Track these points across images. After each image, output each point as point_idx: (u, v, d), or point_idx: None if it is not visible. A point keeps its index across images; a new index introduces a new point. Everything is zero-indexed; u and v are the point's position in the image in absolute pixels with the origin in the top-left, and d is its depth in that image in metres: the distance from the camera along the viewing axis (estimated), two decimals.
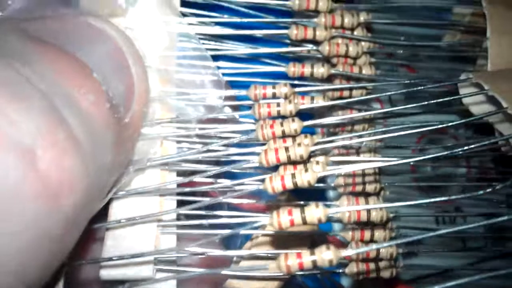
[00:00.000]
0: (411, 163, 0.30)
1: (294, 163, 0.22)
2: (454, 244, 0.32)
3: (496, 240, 0.32)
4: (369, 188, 0.25)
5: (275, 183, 0.21)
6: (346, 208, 0.21)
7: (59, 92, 0.16)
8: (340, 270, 0.23)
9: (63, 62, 0.17)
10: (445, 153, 0.21)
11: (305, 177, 0.20)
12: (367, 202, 0.23)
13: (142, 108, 0.21)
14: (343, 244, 0.26)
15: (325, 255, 0.18)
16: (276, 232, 0.24)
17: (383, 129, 0.23)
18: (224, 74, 0.26)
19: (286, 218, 0.19)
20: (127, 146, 0.21)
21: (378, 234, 0.23)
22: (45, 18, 0.19)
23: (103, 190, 0.20)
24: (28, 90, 0.15)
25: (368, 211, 0.23)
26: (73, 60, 0.18)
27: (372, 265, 0.23)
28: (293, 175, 0.21)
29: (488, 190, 0.19)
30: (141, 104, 0.21)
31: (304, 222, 0.19)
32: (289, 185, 0.21)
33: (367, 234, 0.23)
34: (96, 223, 0.22)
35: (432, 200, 0.20)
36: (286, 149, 0.22)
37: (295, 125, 0.23)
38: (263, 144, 0.24)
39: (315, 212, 0.19)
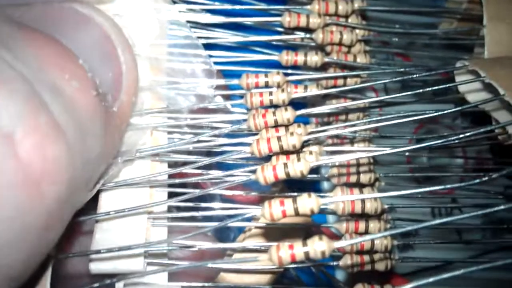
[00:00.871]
0: (407, 154, 0.30)
1: (287, 153, 0.22)
2: (450, 236, 0.32)
3: (494, 232, 0.31)
4: (364, 178, 0.25)
5: (267, 173, 0.20)
6: (339, 198, 0.21)
7: (42, 77, 0.16)
8: (334, 263, 0.23)
9: (47, 48, 0.17)
10: (439, 141, 0.20)
11: (298, 167, 0.20)
12: (361, 193, 0.23)
13: (131, 97, 0.21)
14: (338, 237, 0.25)
15: (317, 246, 0.17)
16: (269, 225, 0.23)
17: (377, 118, 0.22)
18: (215, 63, 0.26)
19: (278, 209, 0.19)
20: (115, 136, 0.20)
21: (373, 225, 0.23)
22: (31, 5, 0.19)
23: (90, 181, 0.19)
24: (8, 73, 0.15)
25: (363, 202, 0.22)
26: (57, 45, 0.17)
27: (366, 258, 0.23)
28: (285, 165, 0.20)
29: (484, 179, 0.18)
30: (130, 94, 0.20)
31: (297, 213, 0.19)
32: (281, 175, 0.20)
33: (361, 226, 0.23)
34: (85, 215, 0.22)
35: (427, 189, 0.19)
36: (279, 138, 0.21)
37: (288, 114, 0.22)
38: (255, 134, 0.23)
39: (307, 203, 0.18)
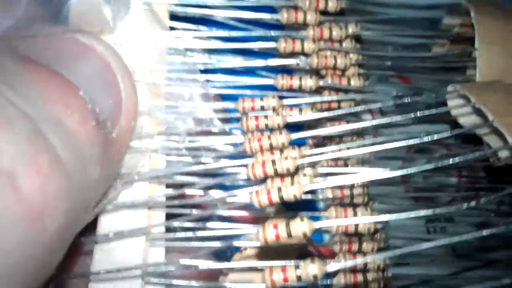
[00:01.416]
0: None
1: (281, 175, 0.22)
2: (444, 252, 0.32)
3: (486, 248, 0.31)
4: (357, 199, 0.25)
5: (261, 197, 0.21)
6: (331, 222, 0.21)
7: (44, 113, 0.16)
8: (328, 282, 0.23)
9: (50, 83, 0.18)
10: (432, 165, 0.21)
11: (291, 191, 0.21)
12: (355, 213, 0.23)
13: (131, 122, 0.21)
14: (334, 253, 0.26)
15: (310, 269, 0.18)
16: (264, 244, 0.24)
17: (371, 141, 0.23)
18: (213, 87, 0.27)
19: (272, 233, 0.19)
20: (114, 161, 0.21)
21: (366, 245, 0.23)
22: (34, 37, 0.20)
23: (90, 205, 0.20)
24: (12, 113, 0.15)
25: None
26: (60, 79, 0.18)
27: (360, 277, 0.23)
28: (279, 189, 0.21)
29: (472, 204, 0.19)
30: (129, 119, 0.21)
31: (290, 236, 0.19)
32: (275, 199, 0.21)
33: (354, 246, 0.23)
34: (85, 235, 0.23)
35: (417, 213, 0.20)
36: (273, 162, 0.22)
37: (282, 138, 0.23)
38: (253, 156, 0.24)
39: (300, 226, 0.19)
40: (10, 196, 0.14)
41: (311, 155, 0.22)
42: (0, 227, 0.14)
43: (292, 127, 0.24)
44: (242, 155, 0.24)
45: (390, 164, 0.26)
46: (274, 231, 0.19)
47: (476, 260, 0.30)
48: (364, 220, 0.22)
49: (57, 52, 0.19)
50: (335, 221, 0.22)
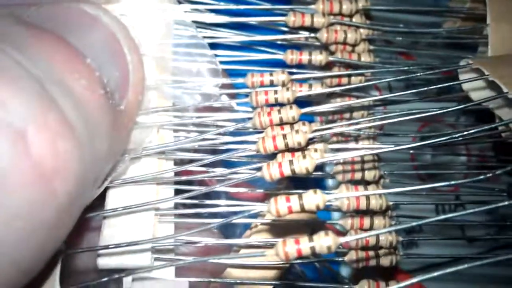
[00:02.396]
0: (411, 152, 0.30)
1: (292, 150, 0.22)
2: (454, 233, 0.32)
3: (498, 229, 0.31)
4: (368, 175, 0.25)
5: (272, 170, 0.21)
6: (344, 194, 0.21)
7: (51, 76, 0.16)
8: (340, 259, 0.23)
9: (56, 47, 0.17)
10: (442, 139, 0.20)
11: (303, 164, 0.20)
12: (366, 190, 0.23)
13: (138, 96, 0.21)
14: (342, 234, 0.25)
15: (323, 241, 0.18)
16: (274, 221, 0.24)
17: (381, 116, 0.22)
18: (221, 62, 0.26)
19: (284, 205, 0.19)
20: (122, 134, 0.21)
21: (378, 222, 0.23)
22: (39, 5, 0.19)
23: (99, 178, 0.20)
24: (19, 72, 0.15)
25: (368, 198, 0.23)
26: (66, 45, 0.18)
27: (371, 253, 0.23)
28: (291, 162, 0.20)
29: (488, 175, 0.18)
30: (137, 92, 0.21)
31: (302, 209, 0.19)
32: (287, 171, 0.20)
33: (366, 222, 0.23)
34: (93, 211, 0.22)
35: (430, 185, 0.19)
36: (284, 136, 0.21)
37: (292, 112, 0.22)
38: (260, 133, 0.23)
39: (313, 199, 0.19)
40: (20, 154, 0.14)
41: (322, 129, 0.22)
42: (10, 187, 0.14)
43: (301, 104, 0.24)
44: (250, 131, 0.24)
45: (401, 142, 0.25)
46: (287, 203, 0.19)
47: (486, 240, 0.30)
48: (376, 192, 0.22)
49: (62, 21, 0.19)
50: (348, 193, 0.21)
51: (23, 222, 0.14)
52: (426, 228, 0.32)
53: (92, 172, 0.18)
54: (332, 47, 0.27)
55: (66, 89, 0.16)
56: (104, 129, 0.18)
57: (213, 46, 0.26)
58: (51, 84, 0.16)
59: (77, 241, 0.25)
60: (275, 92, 0.23)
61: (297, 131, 0.21)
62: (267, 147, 0.22)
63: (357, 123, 0.24)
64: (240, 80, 0.25)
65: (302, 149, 0.22)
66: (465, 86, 0.24)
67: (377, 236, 0.22)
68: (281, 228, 0.26)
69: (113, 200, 0.23)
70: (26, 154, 0.14)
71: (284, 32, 0.28)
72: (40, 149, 0.14)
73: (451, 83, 0.22)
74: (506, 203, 0.18)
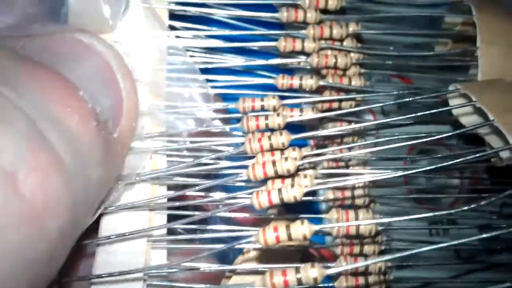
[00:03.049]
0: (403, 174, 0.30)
1: (282, 176, 0.22)
2: (447, 255, 0.32)
3: (489, 251, 0.31)
4: (359, 201, 0.25)
5: (261, 198, 0.21)
6: (331, 225, 0.21)
7: (44, 113, 0.16)
8: (330, 284, 0.23)
9: (49, 82, 0.17)
10: (434, 166, 0.20)
11: (292, 193, 0.20)
12: (357, 215, 0.23)
13: (132, 122, 0.21)
14: (335, 256, 0.25)
15: (310, 273, 0.18)
16: (264, 247, 0.24)
17: (372, 141, 0.23)
18: (213, 87, 0.26)
19: (272, 235, 0.19)
20: (116, 161, 0.21)
21: (368, 247, 0.23)
22: (33, 36, 0.20)
23: (92, 206, 0.20)
24: (11, 112, 0.15)
25: (357, 225, 0.23)
26: (59, 79, 0.18)
27: (361, 279, 0.23)
28: (280, 191, 0.21)
29: (491, 199, 0.18)
30: (130, 119, 0.21)
31: (290, 239, 0.19)
32: (276, 200, 0.21)
33: (356, 249, 0.23)
34: (87, 238, 0.23)
35: (420, 216, 0.20)
36: (274, 163, 0.22)
37: (283, 138, 0.23)
38: (253, 157, 0.24)
39: (300, 229, 0.19)
40: (11, 196, 0.14)
41: (311, 155, 0.22)
42: (1, 227, 0.14)
43: (294, 128, 0.24)
44: (243, 156, 0.24)
45: (392, 166, 0.26)
46: (275, 233, 0.19)
47: (479, 263, 0.30)
48: (365, 222, 0.22)
49: (56, 51, 0.19)
50: (335, 224, 0.21)
51: (14, 259, 0.15)
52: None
53: (85, 202, 0.18)
54: (324, 71, 0.27)
55: (59, 126, 0.16)
56: (97, 158, 0.18)
57: (206, 70, 0.26)
58: (44, 122, 0.16)
59: (72, 268, 0.25)
60: (266, 117, 0.23)
61: (286, 158, 0.22)
62: (257, 174, 0.22)
63: (348, 149, 0.24)
64: (232, 105, 0.25)
65: (292, 175, 0.22)
66: (454, 112, 0.24)
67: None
68: (273, 252, 0.26)
69: (106, 227, 0.23)
70: (17, 194, 0.14)
71: (277, 56, 0.28)
72: (31, 189, 0.15)
73: (440, 110, 0.22)
74: (505, 231, 0.18)
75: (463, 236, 0.20)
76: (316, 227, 0.19)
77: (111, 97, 0.20)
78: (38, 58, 0.18)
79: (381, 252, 0.25)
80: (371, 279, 0.23)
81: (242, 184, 0.26)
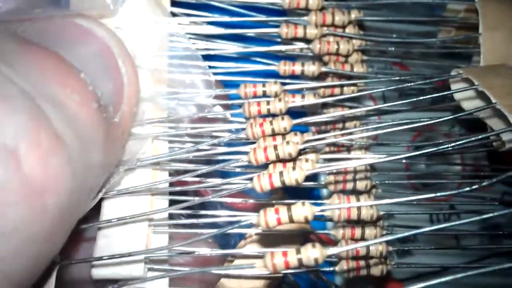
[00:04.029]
0: (405, 161, 0.30)
1: (283, 161, 0.22)
2: (448, 242, 0.32)
3: (491, 238, 0.31)
4: (360, 186, 0.25)
5: (263, 181, 0.21)
6: (332, 206, 0.21)
7: (44, 92, 0.16)
8: (331, 268, 0.23)
9: (49, 63, 0.17)
10: (434, 149, 0.20)
11: (293, 175, 0.20)
12: (358, 200, 0.23)
13: (133, 108, 0.21)
14: (336, 243, 0.25)
15: (310, 253, 0.18)
16: (265, 231, 0.24)
17: (374, 126, 0.23)
18: (215, 73, 0.26)
19: (273, 217, 0.19)
20: (116, 146, 0.21)
21: (369, 232, 0.23)
22: (34, 20, 0.20)
23: (92, 189, 0.20)
24: (11, 89, 0.15)
25: (359, 209, 0.23)
26: (59, 60, 0.18)
27: (362, 263, 0.23)
28: (281, 173, 0.21)
29: (484, 183, 0.18)
30: (131, 104, 0.21)
31: (291, 221, 0.19)
32: (277, 183, 0.21)
33: (357, 232, 0.23)
34: (88, 222, 0.23)
35: (422, 196, 0.20)
36: (275, 147, 0.22)
37: (284, 123, 0.23)
38: (254, 143, 0.24)
39: (301, 211, 0.19)
40: (13, 171, 0.14)
41: (313, 140, 0.22)
42: (2, 203, 0.14)
43: (295, 115, 0.24)
44: (244, 141, 0.24)
45: (394, 152, 0.26)
46: (276, 215, 0.19)
47: (479, 250, 0.30)
48: (366, 203, 0.22)
49: (56, 35, 0.19)
50: (336, 205, 0.21)
51: (15, 237, 0.15)
52: (419, 237, 0.32)
53: (85, 184, 0.18)
54: (326, 58, 0.27)
55: (59, 105, 0.16)
56: (98, 142, 0.18)
57: (207, 57, 0.26)
58: (43, 100, 0.16)
59: (72, 252, 0.25)
60: (268, 103, 0.23)
61: (288, 142, 0.22)
62: (259, 158, 0.22)
63: (349, 133, 0.24)
64: (234, 91, 0.25)
65: (293, 159, 0.22)
66: (456, 96, 0.24)
67: (367, 246, 0.23)
68: (275, 238, 0.26)
69: (108, 211, 0.24)
70: (18, 171, 0.14)
71: (278, 43, 0.28)
72: (32, 166, 0.15)
73: (442, 93, 0.22)
74: (496, 213, 0.18)
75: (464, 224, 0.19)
76: (318, 209, 0.19)
77: (112, 81, 0.20)
78: (38, 41, 0.18)
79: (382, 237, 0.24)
80: (372, 262, 0.23)
81: (243, 170, 0.26)
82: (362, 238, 0.24)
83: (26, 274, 0.16)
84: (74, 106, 0.17)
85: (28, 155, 0.15)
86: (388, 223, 0.27)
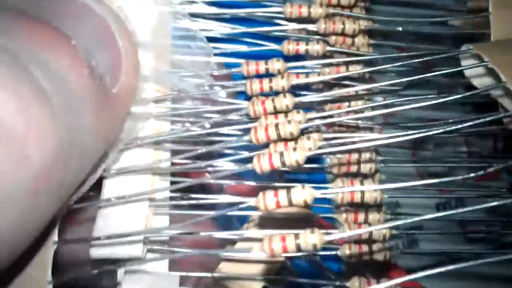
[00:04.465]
0: (411, 147, 0.29)
1: (285, 140, 0.22)
2: (455, 237, 0.31)
3: (501, 227, 0.30)
4: (364, 169, 0.24)
5: (262, 162, 0.20)
6: (333, 190, 0.21)
7: (28, 51, 0.16)
8: (333, 252, 0.22)
9: (37, 29, 0.17)
10: (441, 130, 0.20)
11: (293, 156, 0.20)
12: (362, 184, 0.22)
13: (131, 81, 0.21)
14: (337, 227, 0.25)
15: (309, 239, 0.18)
16: (265, 215, 0.23)
17: (380, 103, 0.22)
18: (217, 55, 0.26)
19: (272, 200, 0.19)
20: (114, 118, 0.20)
21: (372, 216, 0.23)
22: None
23: (87, 160, 0.19)
24: None
25: (362, 192, 0.22)
26: (46, 25, 0.17)
27: (364, 247, 0.22)
28: (281, 154, 0.20)
29: (480, 172, 0.18)
30: (130, 77, 0.20)
31: (290, 204, 0.19)
32: (277, 164, 0.20)
33: (360, 216, 0.23)
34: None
35: (424, 182, 0.19)
36: (276, 126, 0.21)
37: (287, 100, 0.22)
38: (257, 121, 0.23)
39: (300, 194, 0.19)
40: None
41: (316, 118, 0.22)
42: None
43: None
44: (247, 120, 0.24)
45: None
46: (275, 198, 0.19)
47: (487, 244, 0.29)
48: (370, 187, 0.21)
49: (49, 8, 0.19)
50: (337, 189, 0.21)
51: None
52: (427, 226, 0.31)
53: (75, 148, 0.17)
54: (331, 40, 0.26)
55: (44, 64, 0.16)
56: (90, 108, 0.18)
57: (210, 39, 0.26)
58: (28, 59, 0.15)
59: (73, 231, 0.25)
60: (270, 80, 0.23)
61: (289, 121, 0.21)
62: (259, 137, 0.21)
63: (355, 112, 0.23)
64: (236, 70, 0.25)
65: (295, 139, 0.22)
66: (466, 73, 0.23)
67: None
68: (277, 221, 0.25)
69: (108, 190, 0.23)
70: None
71: (281, 25, 0.28)
72: (10, 113, 0.14)
73: (451, 70, 0.21)
74: (502, 202, 0.18)
75: (471, 214, 0.19)
76: (317, 192, 0.18)
77: (108, 53, 0.19)
78: (30, 12, 0.18)
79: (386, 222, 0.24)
80: (375, 247, 0.23)
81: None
82: (365, 222, 0.23)
83: (12, 230, 0.15)
84: (62, 68, 0.17)
85: (7, 103, 0.14)
86: (392, 212, 0.26)
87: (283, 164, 0.20)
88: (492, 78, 0.22)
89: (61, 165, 0.16)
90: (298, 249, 0.18)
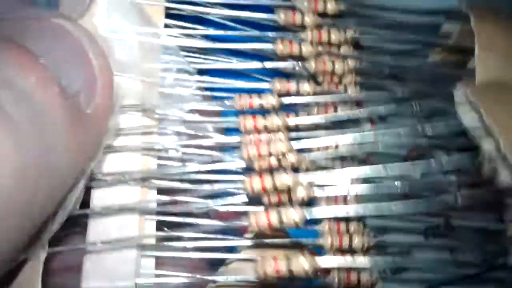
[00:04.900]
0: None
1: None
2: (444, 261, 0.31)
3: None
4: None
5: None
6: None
7: None
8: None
9: (2, 48, 0.17)
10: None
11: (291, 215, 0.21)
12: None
13: (107, 100, 0.20)
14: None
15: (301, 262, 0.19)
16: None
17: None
18: (207, 89, 0.26)
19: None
20: (88, 139, 0.20)
21: (357, 241, 0.24)
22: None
23: (60, 178, 0.18)
24: None
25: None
26: (15, 46, 0.17)
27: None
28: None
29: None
30: (105, 97, 0.20)
31: (291, 274, 0.20)
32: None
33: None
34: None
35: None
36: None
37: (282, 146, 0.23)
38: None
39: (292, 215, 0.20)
40: None
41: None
42: None
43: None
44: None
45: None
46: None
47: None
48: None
49: (23, 27, 0.19)
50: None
51: None
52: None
53: (47, 169, 0.17)
54: (320, 78, 0.26)
55: (8, 83, 0.16)
56: (61, 126, 0.17)
57: (200, 72, 0.26)
58: None
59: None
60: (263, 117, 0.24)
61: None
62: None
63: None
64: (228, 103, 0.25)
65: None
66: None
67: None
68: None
69: (94, 232, 0.23)
70: None
71: (272, 60, 0.28)
72: None
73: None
74: None
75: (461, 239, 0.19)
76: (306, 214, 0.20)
77: (81, 72, 0.19)
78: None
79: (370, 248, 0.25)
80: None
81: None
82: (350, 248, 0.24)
83: None
84: (28, 86, 0.16)
85: None
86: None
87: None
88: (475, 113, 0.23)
89: (27, 185, 0.16)
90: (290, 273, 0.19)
